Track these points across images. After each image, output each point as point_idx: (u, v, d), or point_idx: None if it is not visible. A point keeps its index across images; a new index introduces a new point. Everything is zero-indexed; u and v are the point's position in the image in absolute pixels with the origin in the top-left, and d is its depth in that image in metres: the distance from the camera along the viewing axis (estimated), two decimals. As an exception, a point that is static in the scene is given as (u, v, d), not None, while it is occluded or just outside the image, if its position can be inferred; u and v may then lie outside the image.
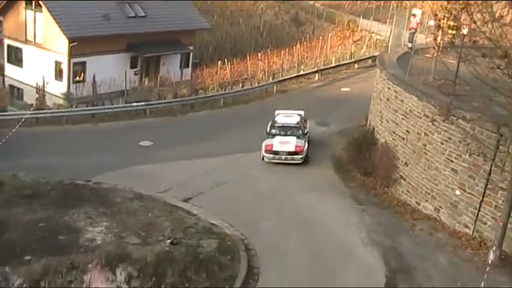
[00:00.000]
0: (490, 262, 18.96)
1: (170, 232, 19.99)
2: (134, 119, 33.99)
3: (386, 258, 20.08)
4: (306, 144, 28.66)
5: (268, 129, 29.63)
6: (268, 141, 28.63)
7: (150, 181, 24.61)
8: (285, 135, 28.82)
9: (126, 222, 20.67)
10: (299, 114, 30.99)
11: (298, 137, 28.71)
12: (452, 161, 22.16)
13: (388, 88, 26.95)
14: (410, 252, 20.69)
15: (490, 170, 20.53)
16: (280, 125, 29.57)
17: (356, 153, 27.42)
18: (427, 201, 23.55)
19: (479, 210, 21.21)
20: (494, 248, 19.46)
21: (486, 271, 18.05)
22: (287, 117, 30.47)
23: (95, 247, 18.55)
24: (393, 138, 25.83)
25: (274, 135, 28.87)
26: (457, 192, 21.99)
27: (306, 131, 29.80)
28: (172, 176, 25.46)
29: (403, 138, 24.94)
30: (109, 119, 33.57)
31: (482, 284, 16.85)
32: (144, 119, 34.36)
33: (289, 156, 28.07)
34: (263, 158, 28.37)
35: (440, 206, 22.90)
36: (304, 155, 28.18)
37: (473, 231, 21.49)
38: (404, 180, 24.78)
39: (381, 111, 27.85)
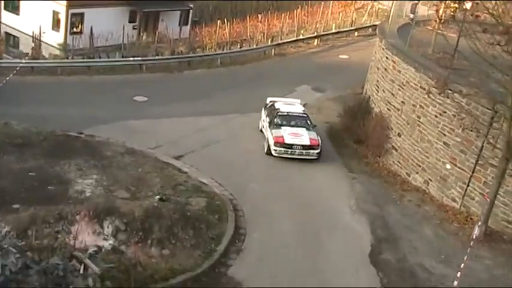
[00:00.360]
0: (474, 237, 19.16)
1: (160, 188, 20.04)
2: (130, 73, 33.73)
3: (373, 227, 20.25)
4: (319, 138, 25.17)
5: (265, 117, 26.49)
6: (276, 132, 24.82)
7: (142, 136, 24.55)
8: (291, 125, 25.46)
9: (117, 176, 20.69)
10: (298, 103, 28.05)
11: (307, 129, 25.41)
12: (445, 135, 22.19)
13: (387, 58, 26.81)
14: (397, 222, 20.85)
15: (482, 146, 20.58)
16: (285, 113, 26.10)
17: (350, 121, 27.37)
18: (417, 173, 23.64)
19: (468, 185, 21.34)
20: (480, 223, 19.64)
21: (470, 245, 18.24)
22: (288, 105, 27.26)
23: (84, 199, 18.59)
24: (388, 109, 25.80)
25: (280, 126, 25.30)
26: (448, 166, 22.08)
27: (314, 123, 26.40)
28: (165, 132, 25.40)
29: (398, 109, 24.91)
30: (105, 72, 33.31)
31: (466, 258, 17.01)
32: (140, 74, 34.10)
33: (303, 151, 24.44)
34: (269, 153, 24.63)
35: (430, 179, 23.00)
36: (319, 149, 24.68)
37: (460, 206, 21.65)
38: (396, 150, 24.83)
39: (377, 81, 27.76)
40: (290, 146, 24.32)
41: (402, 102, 24.64)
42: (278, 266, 17.20)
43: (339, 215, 20.81)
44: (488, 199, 19.53)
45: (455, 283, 16.05)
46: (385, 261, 18.35)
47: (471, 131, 20.52)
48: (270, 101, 27.67)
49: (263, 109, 27.30)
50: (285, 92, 32.34)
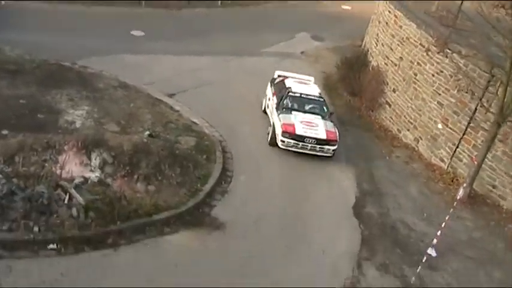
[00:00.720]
0: (458, 198, 19.30)
1: (150, 124, 19.99)
2: (128, 7, 33.06)
3: (359, 180, 20.37)
4: (337, 130, 21.12)
5: (271, 95, 22.28)
6: (286, 118, 20.56)
7: (136, 71, 24.23)
8: (303, 111, 21.31)
9: (108, 109, 20.59)
10: (309, 80, 23.77)
11: (323, 117, 21.23)
12: (439, 94, 22.14)
13: (389, 12, 26.44)
14: (384, 177, 20.99)
15: (475, 109, 20.60)
16: (298, 95, 21.75)
17: (346, 73, 27.16)
18: (408, 130, 23.67)
19: (457, 147, 21.43)
20: (465, 185, 19.79)
21: (453, 206, 18.41)
22: (302, 84, 22.76)
23: (74, 130, 18.53)
24: (385, 63, 25.62)
25: (290, 110, 21.12)
26: (439, 126, 22.11)
27: (331, 110, 22.39)
28: (159, 69, 25.12)
29: (396, 65, 24.75)
30: (103, 4, 32.62)
31: (447, 218, 17.20)
32: (139, 8, 33.40)
33: (317, 146, 20.25)
34: (274, 143, 20.64)
35: (420, 137, 23.07)
36: (336, 146, 20.59)
37: (448, 166, 21.78)
38: (390, 106, 24.79)
39: (377, 34, 27.46)
40: (302, 139, 20.16)
41: (400, 58, 24.46)
42: (262, 210, 17.32)
43: (326, 165, 20.85)
44: (475, 162, 19.63)
45: (435, 241, 16.26)
46: (368, 215, 18.54)
47: (466, 92, 20.49)
48: (279, 76, 23.63)
49: (269, 85, 23.22)
50: (284, 38, 32.05)
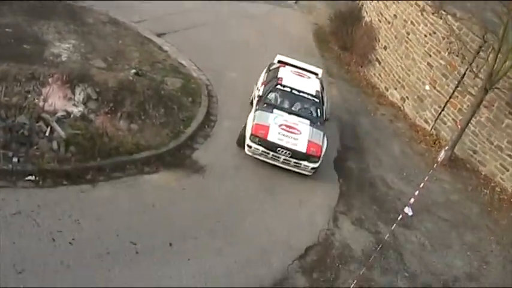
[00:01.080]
0: (439, 160, 19.48)
1: (137, 63, 19.74)
2: None
3: (342, 134, 20.37)
4: (325, 141, 17.14)
5: (260, 84, 18.59)
6: (261, 118, 16.66)
7: (127, 8, 23.61)
8: (289, 111, 17.25)
9: (95, 45, 20.25)
10: (315, 73, 19.48)
11: (313, 122, 17.11)
12: (430, 56, 22.05)
13: (387, -33, 26.08)
14: (367, 134, 21.03)
15: (464, 74, 20.61)
16: (288, 90, 17.59)
17: (339, 26, 26.91)
18: (395, 89, 23.65)
19: (443, 110, 21.50)
20: (447, 148, 19.97)
21: (433, 168, 18.57)
22: (299, 76, 18.46)
23: (59, 63, 18.24)
24: (379, 20, 25.37)
25: (271, 107, 17.12)
26: (427, 87, 22.10)
27: (326, 114, 17.93)
28: (150, 7, 24.47)
29: (389, 22, 24.52)
30: None
31: (426, 178, 17.37)
32: None
33: (292, 160, 16.34)
34: (242, 144, 16.89)
35: (407, 97, 23.07)
36: (319, 163, 16.61)
37: (431, 128, 21.89)
38: (379, 63, 24.68)
39: (374, -10, 27.14)
40: (273, 147, 16.25)
41: (394, 15, 24.23)
42: (242, 156, 17.14)
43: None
44: (459, 126, 19.73)
45: (412, 200, 16.46)
46: (348, 169, 18.62)
47: (457, 56, 20.44)
48: (279, 61, 19.54)
49: (264, 71, 19.46)
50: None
